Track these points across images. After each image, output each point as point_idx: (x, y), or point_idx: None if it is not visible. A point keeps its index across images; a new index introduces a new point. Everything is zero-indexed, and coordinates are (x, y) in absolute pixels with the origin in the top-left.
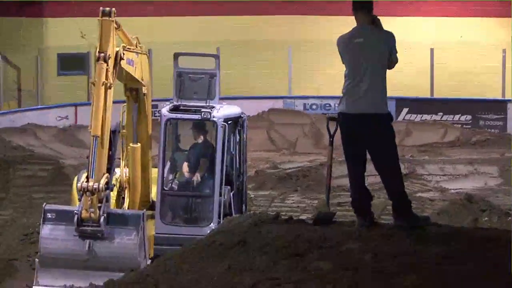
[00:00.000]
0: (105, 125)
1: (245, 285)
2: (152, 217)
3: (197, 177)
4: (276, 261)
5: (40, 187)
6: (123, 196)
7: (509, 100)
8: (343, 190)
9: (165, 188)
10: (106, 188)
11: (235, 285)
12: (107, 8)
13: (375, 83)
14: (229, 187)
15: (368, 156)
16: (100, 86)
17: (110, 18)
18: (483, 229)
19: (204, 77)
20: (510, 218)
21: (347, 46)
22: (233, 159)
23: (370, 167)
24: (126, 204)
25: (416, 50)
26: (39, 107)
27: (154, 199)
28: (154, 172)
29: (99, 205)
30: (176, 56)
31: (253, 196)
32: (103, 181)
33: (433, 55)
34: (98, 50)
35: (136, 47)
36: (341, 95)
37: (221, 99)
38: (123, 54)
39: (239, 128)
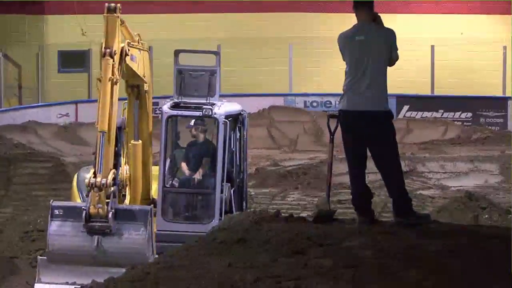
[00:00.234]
0: (111, 121)
1: (246, 282)
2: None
3: (198, 174)
4: (277, 258)
5: (41, 185)
6: (123, 193)
7: (509, 98)
8: (344, 187)
9: (166, 185)
10: (113, 184)
11: (236, 282)
12: (112, 4)
13: (375, 80)
14: (229, 184)
15: (369, 154)
16: (106, 82)
17: (116, 14)
18: (484, 226)
19: (204, 74)
20: (510, 216)
21: (348, 43)
22: (233, 156)
23: (370, 165)
24: (127, 201)
25: (417, 47)
26: (39, 104)
27: (154, 197)
28: (154, 170)
29: (107, 200)
30: (177, 53)
31: (253, 193)
32: (110, 176)
33: (434, 52)
34: (104, 46)
35: (138, 43)
36: (342, 92)
37: (222, 96)
38: (128, 50)
39: (239, 125)
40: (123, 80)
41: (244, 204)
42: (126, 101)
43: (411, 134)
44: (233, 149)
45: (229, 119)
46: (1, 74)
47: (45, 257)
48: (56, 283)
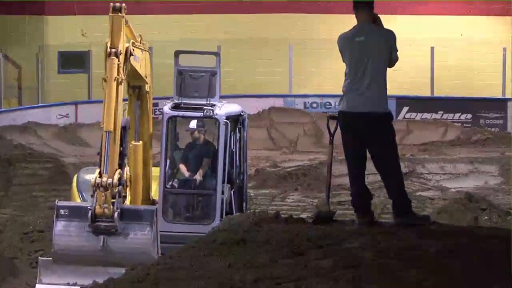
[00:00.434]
0: (117, 121)
1: (246, 283)
2: None
3: (199, 175)
4: (277, 259)
5: (41, 185)
6: (123, 194)
7: (509, 99)
8: (343, 189)
9: (167, 186)
10: (119, 184)
11: (236, 283)
12: (118, 4)
13: (375, 81)
14: (229, 185)
15: (368, 155)
16: (112, 82)
17: (121, 14)
18: (483, 227)
19: (204, 75)
20: (510, 217)
21: (348, 44)
22: (233, 157)
23: (370, 166)
24: (127, 202)
25: (417, 48)
26: (39, 105)
27: (154, 197)
28: (155, 171)
29: (113, 200)
30: (177, 54)
31: (253, 194)
32: (116, 176)
33: (434, 53)
34: (109, 45)
35: (140, 44)
36: (342, 93)
37: (222, 97)
38: (133, 50)
39: (239, 126)
40: (125, 81)
41: (244, 205)
42: (126, 102)
43: (411, 135)
44: (233, 150)
45: (230, 120)
46: (1, 74)
47: (46, 258)
48: (57, 284)
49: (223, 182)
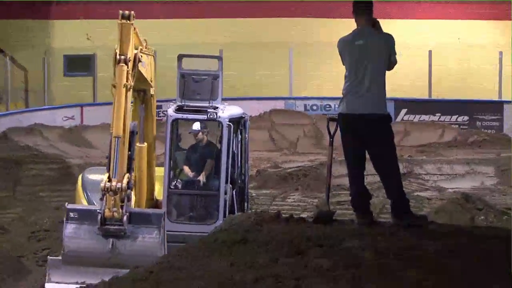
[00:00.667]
0: (126, 126)
1: (247, 281)
2: None
3: (202, 176)
4: (278, 258)
5: (47, 186)
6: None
7: (505, 101)
8: (343, 189)
9: (172, 187)
10: (128, 188)
11: (237, 281)
12: (126, 12)
13: (374, 84)
14: (231, 185)
15: (367, 156)
16: (121, 88)
17: (129, 21)
18: (482, 227)
19: (207, 78)
20: (506, 217)
21: (348, 48)
22: (235, 159)
23: (369, 167)
24: (132, 203)
25: (415, 52)
26: (45, 107)
27: (158, 197)
28: (158, 171)
29: (121, 204)
30: (180, 57)
31: (254, 194)
32: (125, 181)
33: (431, 57)
34: (118, 52)
35: (145, 48)
36: (341, 96)
37: (224, 99)
38: (141, 56)
39: (241, 128)
40: None
41: (245, 205)
42: (131, 105)
43: (409, 137)
44: (235, 151)
45: (232, 122)
46: (8, 77)
47: (55, 257)
48: (66, 283)
49: (226, 183)
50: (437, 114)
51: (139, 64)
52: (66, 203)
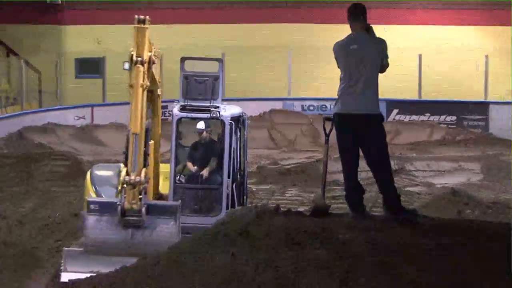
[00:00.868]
0: (143, 124)
1: (247, 272)
2: None
3: (206, 172)
4: (277, 250)
5: (60, 181)
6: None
7: (490, 102)
8: (338, 184)
9: (177, 182)
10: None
11: (238, 272)
12: (142, 16)
13: (368, 85)
14: (231, 180)
15: (361, 153)
16: (138, 88)
17: (145, 26)
18: (468, 220)
19: (208, 79)
20: (491, 210)
21: (343, 51)
22: (234, 155)
23: (362, 164)
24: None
25: (406, 56)
26: (58, 107)
27: (162, 192)
28: (162, 167)
29: (140, 196)
30: (183, 60)
31: (255, 189)
32: (143, 174)
33: (421, 60)
34: (135, 55)
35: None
36: (337, 97)
37: (226, 100)
38: (155, 58)
39: (239, 125)
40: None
41: (245, 198)
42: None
43: (400, 136)
44: (234, 147)
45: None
46: (23, 79)
47: (70, 248)
48: (81, 272)
49: (228, 178)
50: (426, 114)
51: (154, 65)
52: (87, 196)
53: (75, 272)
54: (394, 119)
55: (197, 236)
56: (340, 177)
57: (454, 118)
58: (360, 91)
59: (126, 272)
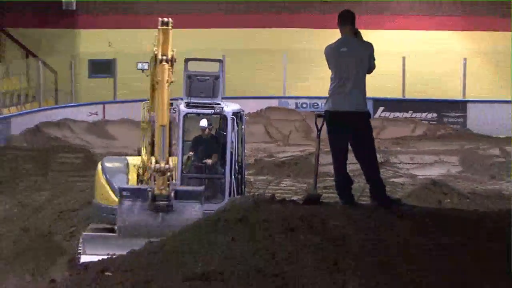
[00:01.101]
0: (168, 117)
1: (246, 254)
2: None
3: (210, 161)
4: (273, 234)
5: (74, 172)
6: (140, 179)
7: (468, 101)
8: (328, 175)
9: (184, 172)
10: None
11: (238, 255)
12: (165, 19)
13: (357, 85)
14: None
15: (349, 147)
16: (164, 84)
17: (168, 27)
18: (448, 209)
19: (209, 79)
20: (468, 200)
21: (333, 54)
22: (234, 148)
23: (351, 156)
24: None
25: (391, 58)
26: (73, 104)
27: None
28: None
29: (168, 183)
30: (186, 61)
31: (252, 180)
32: (170, 162)
33: (405, 62)
34: (160, 54)
35: None
36: (328, 95)
37: (227, 98)
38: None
39: (238, 121)
40: (149, 83)
41: (243, 188)
42: (145, 102)
43: (385, 131)
44: (233, 141)
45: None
46: (40, 79)
47: (89, 233)
48: (99, 255)
49: (231, 168)
50: (409, 112)
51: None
52: (118, 186)
53: (93, 254)
54: (380, 116)
55: (200, 222)
56: (331, 169)
57: (435, 115)
58: (349, 90)
59: (135, 255)
